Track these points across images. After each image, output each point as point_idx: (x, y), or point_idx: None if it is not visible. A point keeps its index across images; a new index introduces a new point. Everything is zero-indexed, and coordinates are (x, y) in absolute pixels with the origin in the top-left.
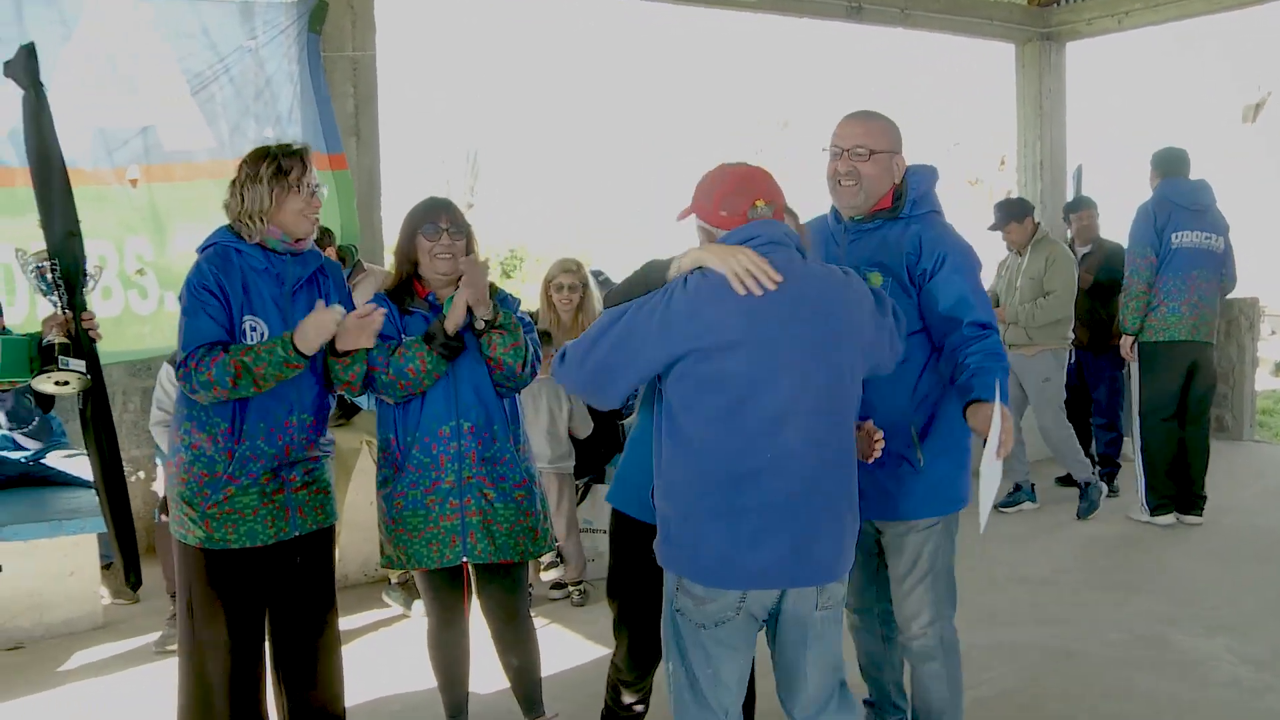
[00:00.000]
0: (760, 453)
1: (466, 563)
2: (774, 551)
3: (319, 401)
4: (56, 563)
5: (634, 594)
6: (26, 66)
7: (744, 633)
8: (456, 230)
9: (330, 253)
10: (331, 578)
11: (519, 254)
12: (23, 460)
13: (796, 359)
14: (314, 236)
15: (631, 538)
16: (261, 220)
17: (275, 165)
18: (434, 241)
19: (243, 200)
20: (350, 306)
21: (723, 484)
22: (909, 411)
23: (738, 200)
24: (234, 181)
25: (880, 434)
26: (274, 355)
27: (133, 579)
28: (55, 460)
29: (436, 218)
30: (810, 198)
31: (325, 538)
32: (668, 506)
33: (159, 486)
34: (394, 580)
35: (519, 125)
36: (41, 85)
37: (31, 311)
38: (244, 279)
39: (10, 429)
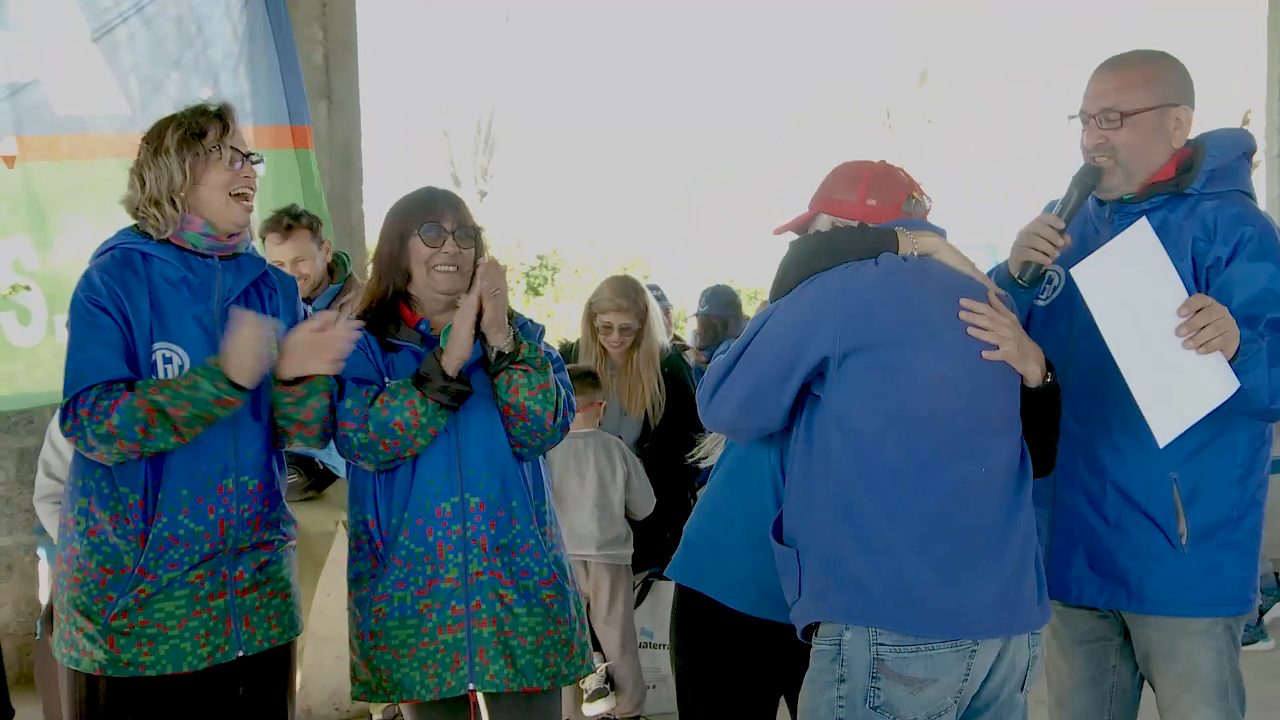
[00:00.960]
0: (968, 467)
1: (474, 691)
2: (993, 591)
3: (266, 457)
4: None
5: (720, 714)
6: None
7: None
8: (465, 235)
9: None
10: (288, 717)
11: (550, 262)
12: None
13: (980, 367)
14: (247, 230)
15: (713, 631)
16: (173, 204)
17: (184, 130)
18: (435, 248)
19: (143, 183)
20: None
21: (929, 509)
22: (1171, 463)
23: (890, 190)
24: (134, 164)
25: None
26: (198, 391)
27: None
28: None
29: (439, 215)
30: (954, 170)
31: (282, 659)
32: (842, 538)
33: (42, 591)
34: (376, 718)
35: (549, 87)
36: None
37: None
38: (152, 293)
39: None
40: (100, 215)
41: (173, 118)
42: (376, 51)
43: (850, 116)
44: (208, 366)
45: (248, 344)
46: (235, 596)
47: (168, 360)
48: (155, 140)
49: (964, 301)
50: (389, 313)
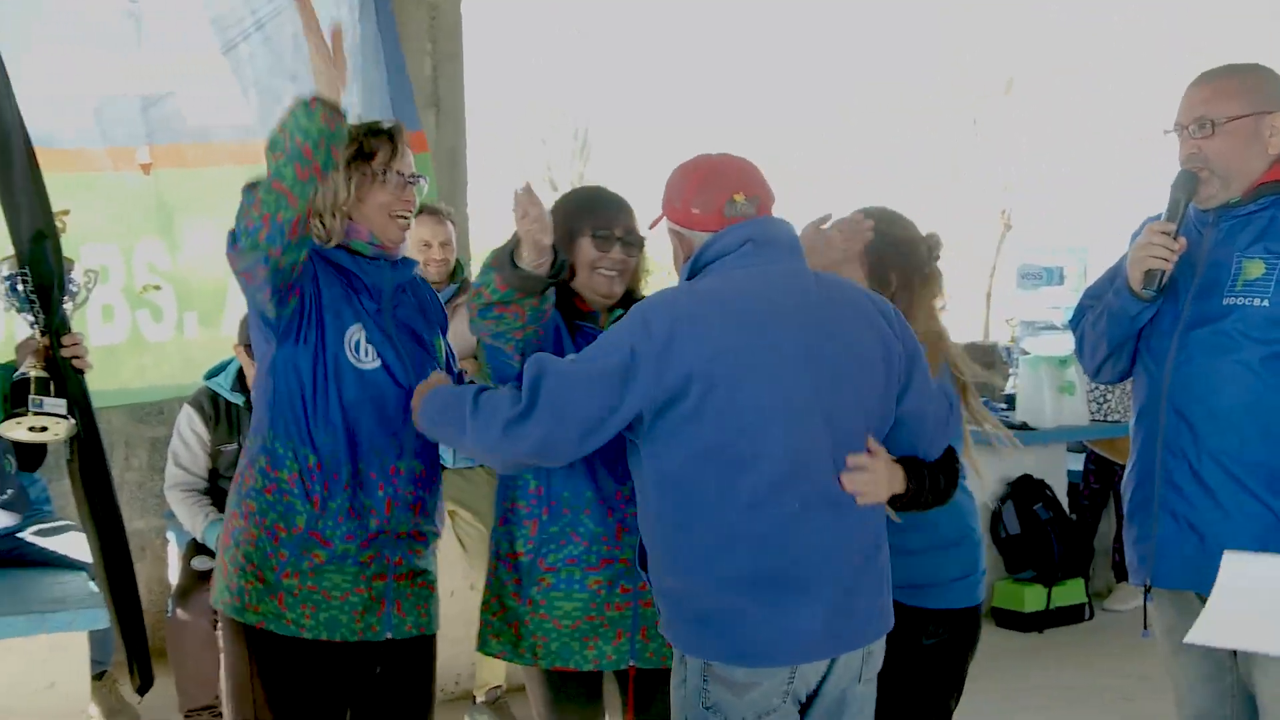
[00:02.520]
0: (785, 504)
1: (634, 667)
2: (816, 608)
3: (435, 445)
4: (34, 670)
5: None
6: None
7: None
8: (631, 243)
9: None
10: (430, 703)
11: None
12: None
13: (810, 381)
14: (406, 245)
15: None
16: (338, 217)
17: (355, 148)
18: (602, 253)
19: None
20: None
21: (750, 545)
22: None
23: (710, 194)
24: None
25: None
26: (291, 120)
27: (139, 681)
28: (34, 535)
29: (611, 222)
30: (1037, 175)
31: (426, 649)
32: (683, 580)
33: (171, 571)
34: (480, 698)
35: (642, 96)
36: None
37: (9, 331)
38: (330, 285)
39: None
40: (222, 220)
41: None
42: (480, 60)
43: (896, 109)
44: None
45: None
46: (394, 580)
47: (357, 344)
48: None
49: (851, 462)
50: (566, 298)
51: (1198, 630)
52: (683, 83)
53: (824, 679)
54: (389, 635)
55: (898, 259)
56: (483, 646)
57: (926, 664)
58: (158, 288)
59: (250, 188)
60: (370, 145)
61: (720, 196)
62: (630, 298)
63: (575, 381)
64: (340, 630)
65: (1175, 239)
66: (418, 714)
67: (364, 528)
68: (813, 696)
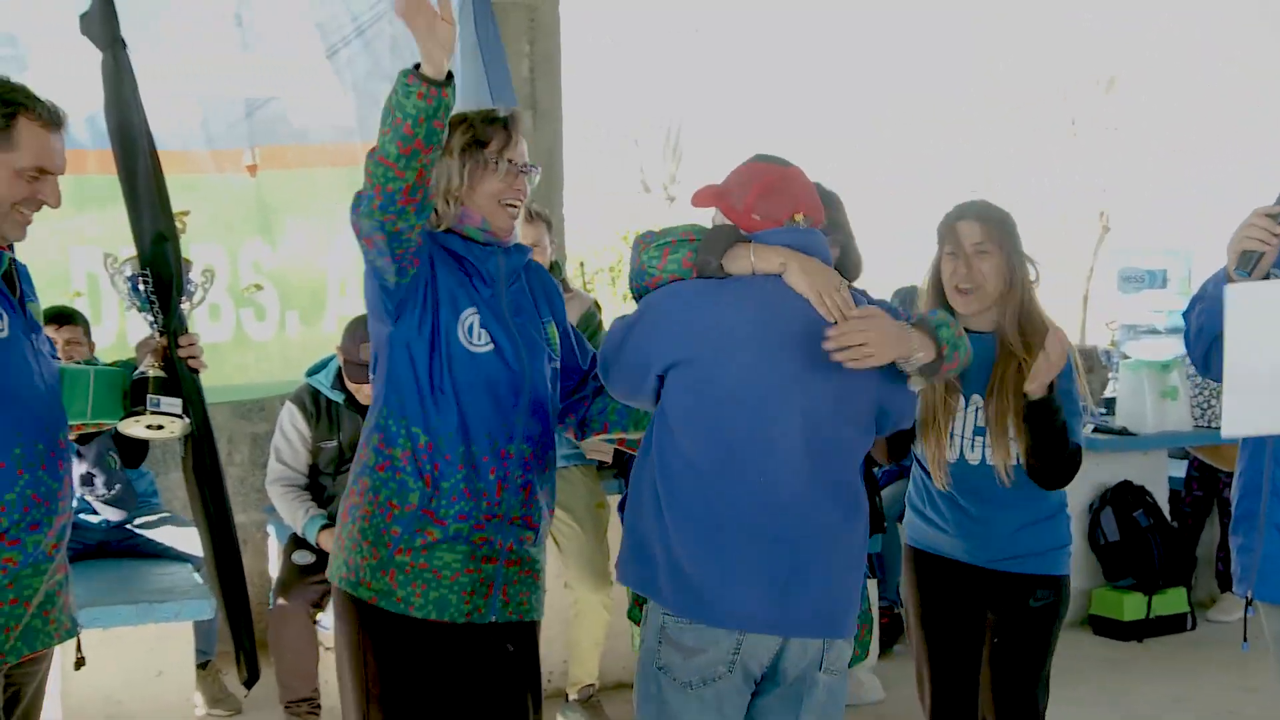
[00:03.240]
0: (745, 476)
1: None
2: (762, 590)
3: (542, 429)
4: (142, 658)
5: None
6: (104, 21)
7: (735, 700)
8: (838, 234)
9: (542, 259)
10: (539, 688)
11: None
12: (103, 525)
13: (790, 385)
14: (517, 234)
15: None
16: (448, 203)
17: (469, 136)
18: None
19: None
20: (565, 329)
21: (707, 507)
22: None
23: (777, 205)
24: None
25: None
26: (396, 97)
27: (246, 674)
28: (142, 528)
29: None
30: (1144, 175)
31: (531, 635)
32: (651, 529)
33: (272, 564)
34: (572, 696)
35: (734, 96)
36: (122, 44)
37: (122, 328)
38: (444, 268)
39: (85, 493)
40: (319, 220)
41: (463, 119)
42: (575, 63)
43: (929, 120)
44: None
45: (435, 35)
46: (503, 565)
47: (470, 328)
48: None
49: (827, 333)
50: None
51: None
52: (768, 85)
53: (778, 659)
54: (494, 619)
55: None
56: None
57: (1032, 626)
58: (260, 287)
59: (370, 155)
60: (484, 133)
61: (784, 212)
62: None
63: (619, 335)
64: (449, 610)
65: (1278, 221)
66: (528, 698)
67: (477, 509)
68: (768, 677)
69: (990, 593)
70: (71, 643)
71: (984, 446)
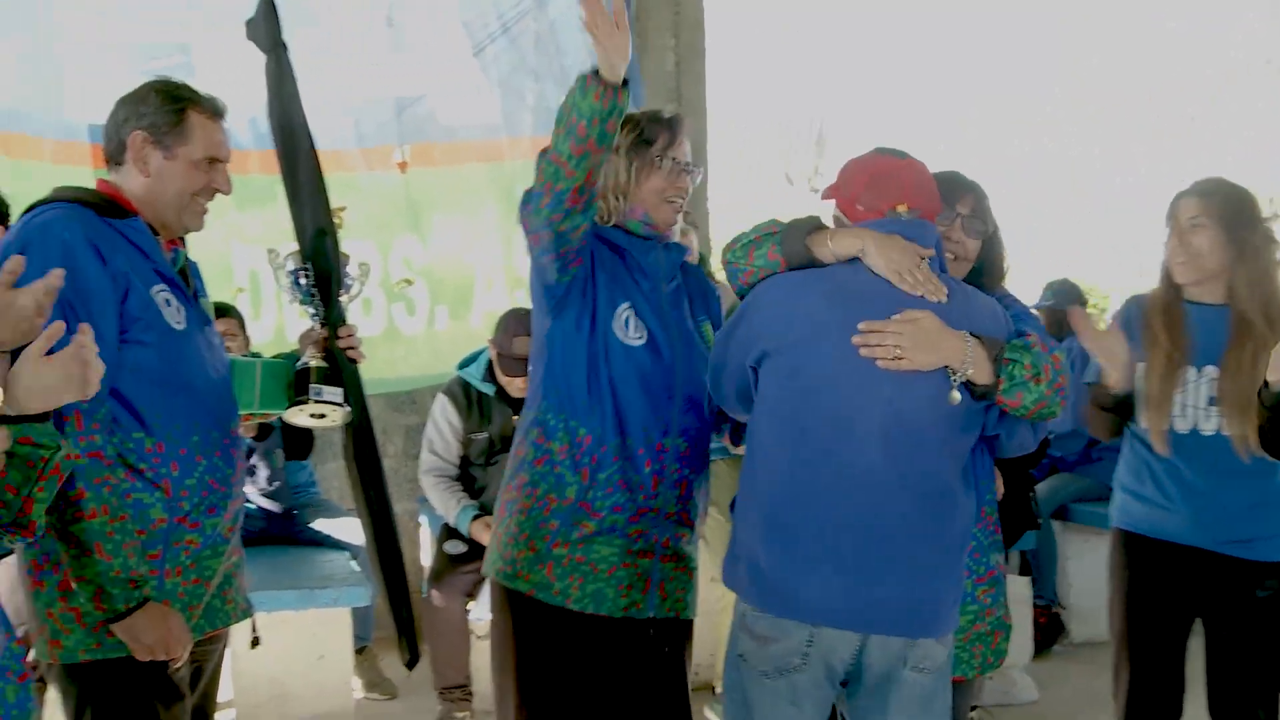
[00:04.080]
0: (821, 465)
1: None
2: (836, 582)
3: (699, 425)
4: (304, 643)
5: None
6: (267, 25)
7: (814, 694)
8: (975, 226)
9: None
10: (686, 685)
11: None
12: (270, 513)
13: (876, 373)
14: (677, 229)
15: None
16: (618, 198)
17: (636, 134)
18: (942, 228)
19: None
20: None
21: (782, 497)
22: None
23: (877, 197)
24: None
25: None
26: (568, 102)
27: (408, 655)
28: (301, 515)
29: (955, 199)
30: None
31: (684, 632)
32: (738, 522)
33: (423, 554)
34: (719, 690)
35: (881, 88)
36: (284, 47)
37: (280, 323)
38: (621, 260)
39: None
40: (466, 215)
41: (631, 119)
42: (719, 56)
43: (1015, 121)
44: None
45: (614, 42)
46: (659, 561)
47: (626, 321)
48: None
49: (861, 326)
50: None
51: None
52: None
53: (859, 656)
54: (651, 614)
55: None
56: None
57: (1257, 620)
58: (410, 282)
59: (542, 154)
60: (651, 132)
61: (885, 203)
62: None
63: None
64: (606, 604)
65: None
66: (679, 695)
67: (633, 501)
68: (855, 676)
69: (1210, 580)
70: (246, 623)
71: (1218, 417)
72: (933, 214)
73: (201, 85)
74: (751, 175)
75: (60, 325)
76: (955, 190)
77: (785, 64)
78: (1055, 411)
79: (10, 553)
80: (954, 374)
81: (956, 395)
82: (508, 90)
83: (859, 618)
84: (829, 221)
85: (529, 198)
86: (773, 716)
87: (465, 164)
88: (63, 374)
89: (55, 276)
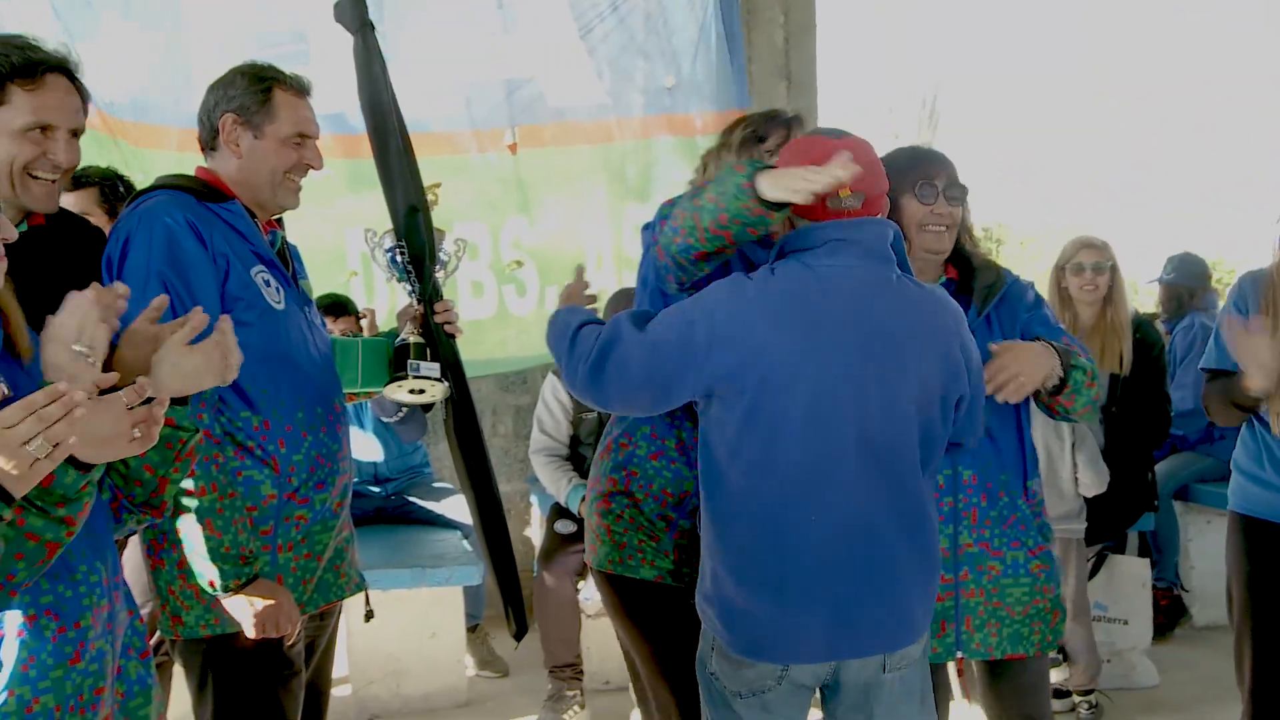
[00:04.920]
0: (799, 501)
1: (962, 658)
2: (814, 618)
3: None
4: (417, 621)
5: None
6: (354, 6)
7: (789, 703)
8: (955, 194)
9: None
10: None
11: (995, 234)
12: (381, 493)
13: (849, 392)
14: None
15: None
16: None
17: (749, 131)
18: (928, 207)
19: (705, 168)
20: None
21: (761, 544)
22: None
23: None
24: (709, 150)
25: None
26: (726, 185)
27: (515, 627)
28: (415, 495)
29: (932, 174)
30: None
31: None
32: (708, 559)
33: (533, 532)
34: None
35: (993, 58)
36: (371, 27)
37: (393, 304)
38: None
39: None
40: (576, 196)
41: (744, 117)
42: (829, 31)
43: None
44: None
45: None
46: None
47: None
48: (726, 134)
49: (988, 377)
50: None
51: None
52: (1025, 52)
53: (837, 673)
54: None
55: None
56: None
57: None
58: (521, 264)
59: (690, 199)
60: (764, 129)
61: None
62: (960, 256)
63: (641, 349)
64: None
65: None
66: None
67: None
68: (831, 687)
69: None
70: (359, 601)
71: None
72: (879, 194)
73: (317, 71)
74: None
75: (164, 298)
76: (928, 166)
77: (896, 38)
78: (1093, 417)
79: (134, 533)
80: (1045, 382)
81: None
82: (617, 70)
83: (838, 649)
84: None
85: (664, 214)
86: None
87: (575, 145)
88: (204, 361)
89: (161, 301)
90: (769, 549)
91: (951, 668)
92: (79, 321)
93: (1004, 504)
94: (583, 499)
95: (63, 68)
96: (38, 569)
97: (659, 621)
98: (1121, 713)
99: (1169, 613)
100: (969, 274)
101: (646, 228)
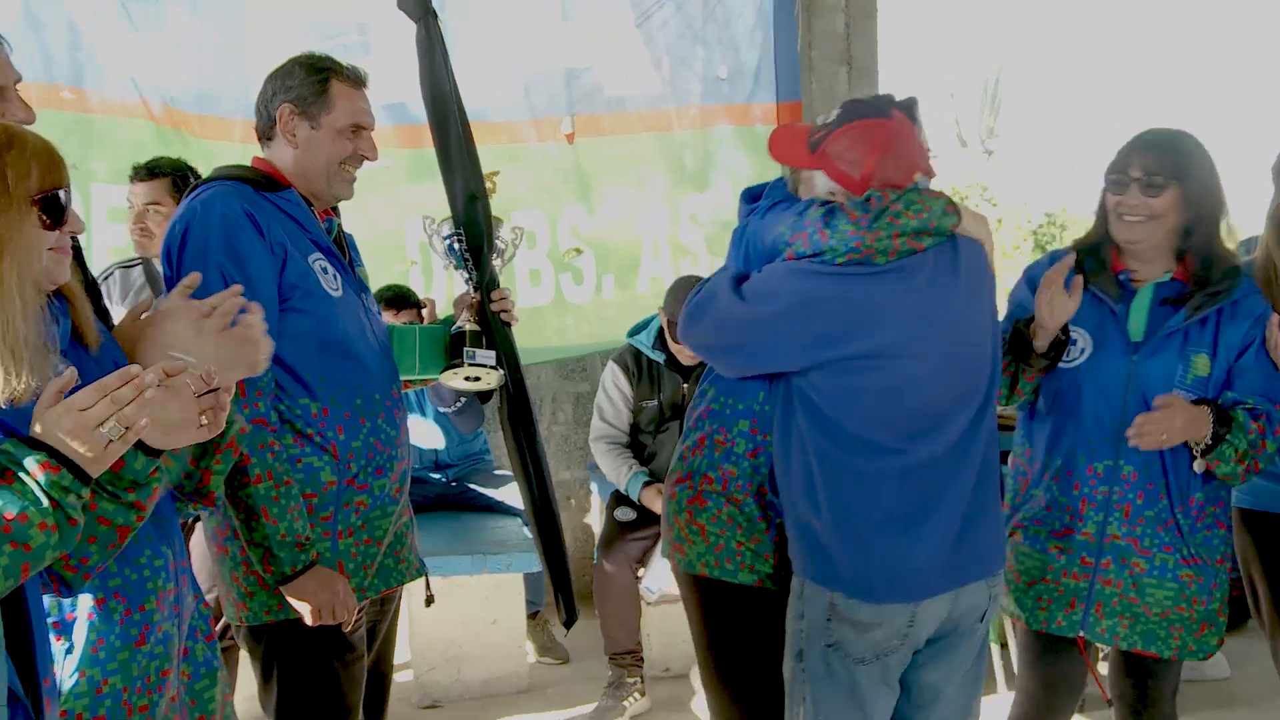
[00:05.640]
0: (929, 445)
1: (1082, 638)
2: (941, 550)
3: None
4: (478, 607)
5: None
6: None
7: (898, 671)
8: (1158, 182)
9: None
10: None
11: (1059, 220)
12: (442, 480)
13: (956, 352)
14: None
15: None
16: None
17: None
18: (1119, 197)
19: None
20: None
21: (889, 481)
22: None
23: (896, 167)
24: None
25: None
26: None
27: (565, 614)
28: (475, 482)
29: (1125, 164)
30: None
31: None
32: (818, 513)
33: (593, 520)
34: None
35: (1055, 44)
36: (434, 15)
37: (450, 293)
38: None
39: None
40: (634, 184)
41: (850, 102)
42: (890, 15)
43: None
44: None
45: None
46: None
47: None
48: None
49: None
50: (1094, 256)
51: None
52: (1092, 32)
53: (949, 616)
54: None
55: None
56: None
57: None
58: (579, 251)
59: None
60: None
61: (905, 174)
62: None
63: (738, 314)
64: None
65: None
66: None
67: None
68: (931, 641)
69: None
70: (420, 587)
71: None
72: (929, 172)
73: (378, 61)
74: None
75: (196, 276)
76: (1124, 156)
77: (957, 21)
78: (1235, 484)
79: (197, 518)
80: (1196, 445)
81: (1200, 464)
82: (675, 58)
83: (959, 574)
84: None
85: (776, 197)
86: (871, 702)
87: (633, 134)
88: (233, 352)
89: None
90: (892, 487)
91: (996, 653)
92: (181, 333)
93: (1162, 507)
94: (644, 484)
95: None
96: (109, 552)
97: (752, 628)
98: (1193, 705)
99: (1240, 605)
100: (1204, 274)
101: (749, 202)
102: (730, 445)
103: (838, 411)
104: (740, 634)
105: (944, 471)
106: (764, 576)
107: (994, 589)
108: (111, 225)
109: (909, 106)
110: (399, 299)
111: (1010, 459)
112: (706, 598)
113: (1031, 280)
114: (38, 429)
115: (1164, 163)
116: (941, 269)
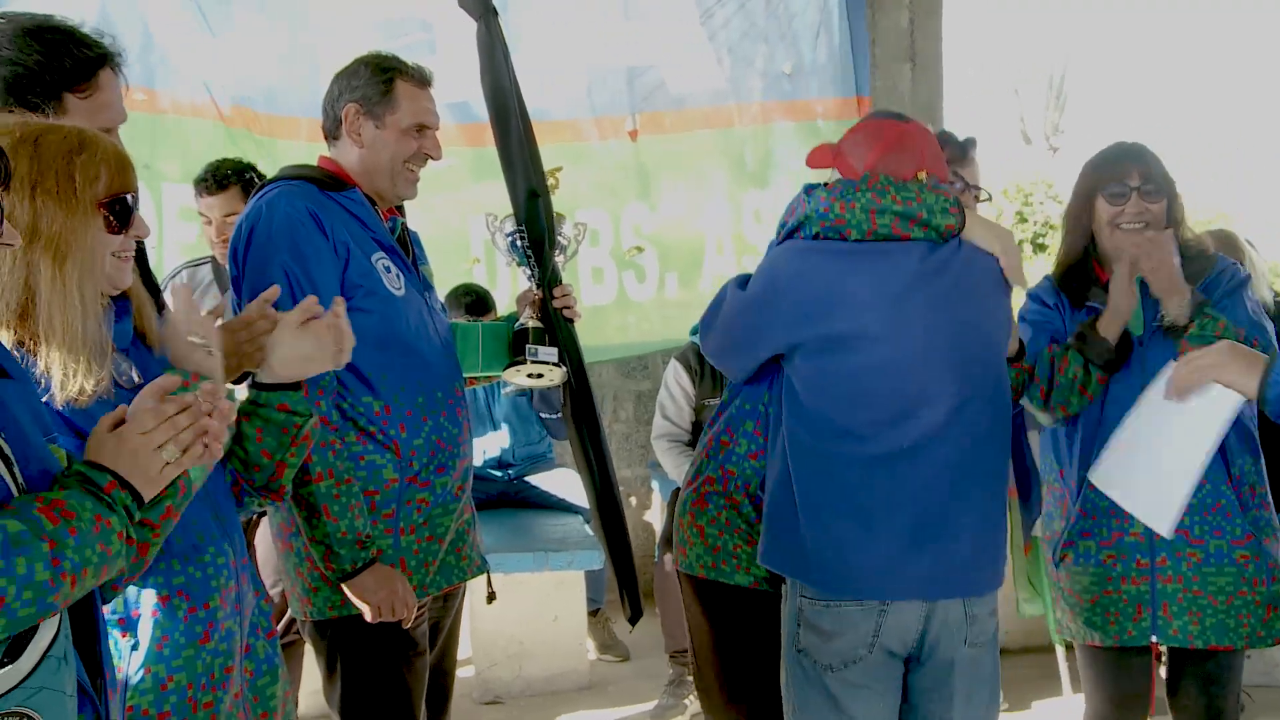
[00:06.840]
0: (897, 435)
1: (1156, 644)
2: (899, 550)
3: None
4: (539, 604)
5: None
6: None
7: (881, 675)
8: (1153, 189)
9: None
10: None
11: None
12: (504, 478)
13: (937, 344)
14: None
15: None
16: None
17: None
18: (1118, 208)
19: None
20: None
21: (852, 469)
22: None
23: (899, 164)
24: None
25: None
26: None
27: (630, 611)
28: (537, 479)
29: (1123, 172)
30: None
31: None
32: (785, 495)
33: (654, 517)
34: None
35: (1122, 38)
36: (494, 13)
37: (514, 291)
38: None
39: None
40: (696, 182)
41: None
42: (954, 10)
43: None
44: None
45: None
46: None
47: None
48: None
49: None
50: (1080, 272)
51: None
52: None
53: (923, 636)
54: None
55: None
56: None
57: None
58: (641, 249)
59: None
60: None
61: (907, 171)
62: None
63: (734, 306)
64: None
65: None
66: None
67: None
68: (917, 657)
69: None
70: (482, 584)
71: None
72: (944, 178)
73: (442, 60)
74: (987, 135)
75: (276, 288)
76: (1116, 166)
77: (1022, 17)
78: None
79: (262, 514)
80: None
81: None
82: (737, 56)
83: (929, 586)
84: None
85: (819, 188)
86: (843, 702)
87: (694, 131)
88: (317, 345)
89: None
90: (863, 481)
91: (1062, 656)
92: (185, 315)
93: (1205, 491)
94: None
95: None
96: (135, 567)
97: (748, 630)
98: (1264, 710)
99: None
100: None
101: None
102: (733, 446)
103: (811, 392)
104: (739, 636)
105: (909, 466)
106: (759, 579)
107: (973, 609)
108: (182, 223)
109: (965, 145)
110: (479, 303)
111: (1044, 490)
112: (705, 600)
113: (1034, 298)
114: (97, 451)
115: (1156, 170)
116: (932, 265)
